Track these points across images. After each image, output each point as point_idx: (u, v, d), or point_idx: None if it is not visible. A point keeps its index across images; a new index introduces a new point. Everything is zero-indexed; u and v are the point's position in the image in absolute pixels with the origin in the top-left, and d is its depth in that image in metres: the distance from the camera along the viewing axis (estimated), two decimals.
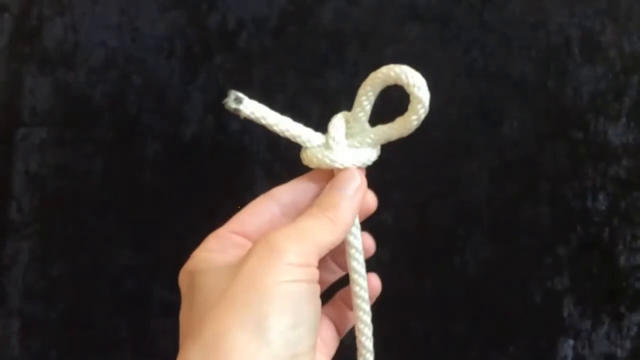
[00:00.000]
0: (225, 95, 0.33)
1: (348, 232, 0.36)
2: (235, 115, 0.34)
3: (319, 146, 0.36)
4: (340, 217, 0.34)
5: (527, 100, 0.49)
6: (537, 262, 0.48)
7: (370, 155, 0.37)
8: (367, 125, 0.37)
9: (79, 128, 0.52)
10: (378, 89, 0.36)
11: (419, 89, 0.34)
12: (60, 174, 0.52)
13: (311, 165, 0.36)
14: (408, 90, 0.34)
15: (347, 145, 0.36)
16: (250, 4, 0.51)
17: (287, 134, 0.36)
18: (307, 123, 0.47)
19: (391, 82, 0.35)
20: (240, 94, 0.34)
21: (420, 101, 0.34)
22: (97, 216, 0.51)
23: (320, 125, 0.49)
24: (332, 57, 0.50)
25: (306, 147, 0.37)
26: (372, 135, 0.37)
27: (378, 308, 0.50)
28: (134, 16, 0.52)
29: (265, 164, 0.50)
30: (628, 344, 0.48)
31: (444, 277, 0.49)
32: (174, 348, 0.53)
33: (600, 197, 0.48)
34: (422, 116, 0.35)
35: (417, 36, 0.50)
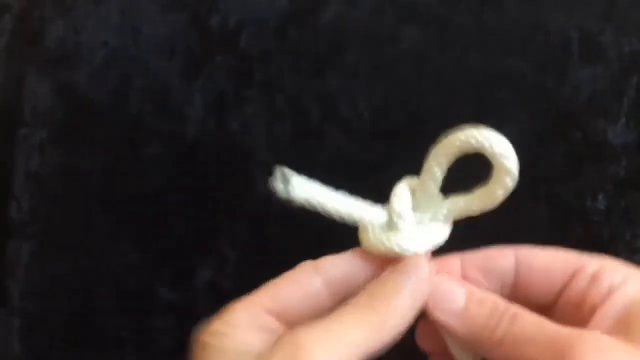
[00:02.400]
0: (274, 175, 0.28)
1: (399, 335, 0.29)
2: (286, 200, 0.28)
3: (381, 226, 0.30)
4: (392, 315, 0.28)
5: (526, 101, 0.49)
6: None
7: (443, 233, 0.31)
8: (437, 196, 0.31)
9: (80, 128, 0.52)
10: (453, 157, 0.30)
11: (506, 158, 0.29)
12: (61, 174, 0.52)
13: (372, 252, 0.30)
14: (492, 159, 0.29)
15: (414, 222, 0.30)
16: (250, 4, 0.51)
17: (346, 216, 0.30)
18: (307, 123, 0.48)
19: (470, 149, 0.29)
20: (291, 172, 0.28)
21: (508, 173, 0.29)
22: (97, 216, 0.51)
23: (321, 124, 0.50)
24: (332, 57, 0.51)
25: (366, 229, 0.30)
26: (446, 211, 0.31)
27: None
28: (135, 17, 0.52)
29: (265, 164, 0.50)
30: None
31: None
32: (175, 347, 0.53)
33: (600, 196, 0.48)
34: (510, 188, 0.30)
35: (417, 37, 0.50)
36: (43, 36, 0.52)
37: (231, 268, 0.50)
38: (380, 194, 0.52)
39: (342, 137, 0.50)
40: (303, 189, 0.29)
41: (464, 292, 0.29)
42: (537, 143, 0.49)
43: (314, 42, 0.51)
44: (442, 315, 0.29)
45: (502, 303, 0.28)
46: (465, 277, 0.30)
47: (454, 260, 0.31)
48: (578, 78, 0.49)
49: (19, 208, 0.52)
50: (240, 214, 0.50)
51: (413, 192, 0.31)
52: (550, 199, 0.49)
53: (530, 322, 0.27)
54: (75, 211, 0.51)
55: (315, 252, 0.50)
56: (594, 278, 0.29)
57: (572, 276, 0.30)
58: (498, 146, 0.29)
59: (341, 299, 0.29)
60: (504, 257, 0.31)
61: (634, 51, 0.49)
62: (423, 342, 0.32)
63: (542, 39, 0.49)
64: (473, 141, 0.29)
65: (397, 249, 0.29)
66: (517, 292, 0.31)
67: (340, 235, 0.51)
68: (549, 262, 0.31)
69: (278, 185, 0.28)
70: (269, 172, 0.50)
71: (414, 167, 0.50)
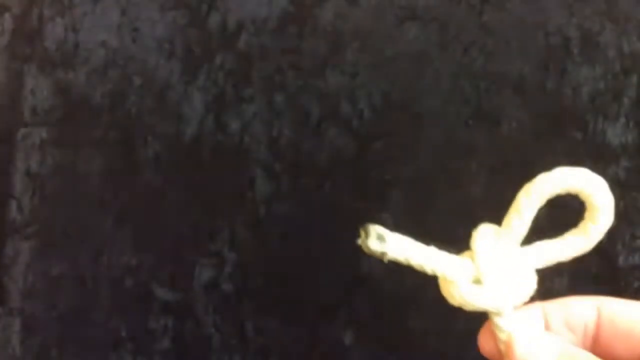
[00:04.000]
0: (361, 232, 0.27)
1: None
2: (374, 256, 0.27)
3: (466, 279, 0.28)
4: None
5: (526, 101, 0.49)
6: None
7: (531, 285, 0.28)
8: (520, 243, 0.28)
9: (80, 128, 0.52)
10: (544, 200, 0.28)
11: (605, 200, 0.27)
12: (61, 173, 0.52)
13: (454, 304, 0.29)
14: (589, 201, 0.28)
15: (502, 275, 0.28)
16: (250, 4, 0.51)
17: (432, 271, 0.28)
18: (307, 123, 0.48)
19: (565, 191, 0.28)
20: (383, 229, 0.27)
21: (607, 215, 0.27)
22: (97, 216, 0.51)
23: (320, 124, 0.50)
24: (332, 57, 0.50)
25: (451, 283, 0.28)
26: (534, 259, 0.28)
27: (378, 308, 0.50)
28: (134, 17, 0.52)
29: (265, 164, 0.50)
30: None
31: None
32: (174, 348, 0.53)
33: None
34: (605, 231, 0.28)
35: (417, 36, 0.50)
36: (42, 36, 0.52)
37: (230, 268, 0.50)
38: (381, 193, 0.52)
39: (342, 137, 0.50)
40: (398, 247, 0.28)
41: (556, 348, 0.28)
42: (537, 143, 0.49)
43: (313, 41, 0.51)
44: None
45: None
46: (547, 328, 0.30)
47: (537, 310, 0.30)
48: (578, 78, 0.49)
49: (19, 208, 0.52)
50: (240, 214, 0.50)
51: (497, 240, 0.29)
52: (550, 199, 0.49)
53: None
54: (75, 211, 0.51)
55: (315, 252, 0.50)
56: None
57: None
58: (596, 187, 0.27)
59: None
60: (586, 308, 0.30)
61: (634, 51, 0.49)
62: (484, 345, 0.32)
63: (542, 39, 0.49)
64: (569, 182, 0.28)
65: (485, 307, 0.28)
66: (598, 345, 0.30)
67: (340, 235, 0.52)
68: (633, 318, 0.29)
69: (372, 243, 0.27)
70: (269, 172, 0.50)
71: (414, 167, 0.50)
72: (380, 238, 0.27)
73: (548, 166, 0.49)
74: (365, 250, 0.27)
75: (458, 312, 0.49)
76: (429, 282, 0.50)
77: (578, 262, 0.49)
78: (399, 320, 0.49)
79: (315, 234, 0.50)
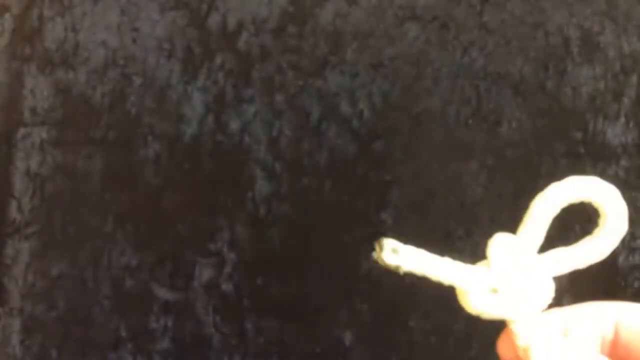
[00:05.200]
0: (375, 246, 0.27)
1: None
2: (388, 269, 0.28)
3: (483, 289, 0.28)
4: None
5: (526, 101, 0.49)
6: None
7: (549, 293, 0.29)
8: (536, 252, 0.29)
9: (79, 128, 0.52)
10: (558, 209, 0.28)
11: (619, 209, 0.28)
12: (61, 173, 0.52)
13: (472, 313, 0.29)
14: (600, 209, 0.28)
15: (519, 284, 0.28)
16: (250, 4, 0.51)
17: (448, 282, 0.28)
18: (307, 123, 0.48)
19: (578, 199, 0.28)
20: (397, 243, 0.28)
21: (621, 224, 0.28)
22: (97, 216, 0.51)
23: (320, 124, 0.50)
24: (332, 57, 0.50)
25: (467, 293, 0.28)
26: (550, 268, 0.29)
27: (378, 308, 0.50)
28: (134, 17, 0.52)
29: (265, 164, 0.50)
30: None
31: None
32: (174, 348, 0.53)
33: None
34: (619, 240, 0.28)
35: (416, 36, 0.50)
36: (42, 36, 0.52)
37: (230, 268, 0.50)
38: (381, 193, 0.52)
39: (342, 137, 0.50)
40: (412, 259, 0.28)
41: (575, 355, 0.28)
42: (537, 143, 0.49)
43: (313, 41, 0.51)
44: None
45: None
46: (566, 335, 0.30)
47: (555, 317, 0.30)
48: (578, 78, 0.49)
49: (19, 208, 0.52)
50: (240, 214, 0.50)
51: (512, 248, 0.29)
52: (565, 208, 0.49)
53: None
54: (75, 211, 0.51)
55: (315, 252, 0.50)
56: None
57: None
58: (609, 196, 0.28)
59: None
60: (604, 313, 0.30)
61: (634, 51, 0.49)
62: (504, 352, 0.32)
63: (542, 39, 0.49)
64: (582, 191, 0.28)
65: (502, 316, 0.28)
66: (616, 351, 0.30)
67: (339, 236, 0.52)
68: None
69: (387, 256, 0.27)
70: (269, 172, 0.50)
71: (414, 167, 0.50)
72: (395, 251, 0.27)
73: (548, 166, 0.49)
74: (380, 263, 0.27)
75: (458, 312, 0.49)
76: (429, 282, 0.50)
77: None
78: (399, 320, 0.49)
79: (315, 234, 0.50)
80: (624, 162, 0.48)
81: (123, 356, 0.50)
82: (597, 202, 0.28)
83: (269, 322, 0.49)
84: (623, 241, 0.48)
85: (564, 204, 0.28)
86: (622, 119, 0.49)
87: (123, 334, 0.50)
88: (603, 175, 0.49)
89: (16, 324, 0.51)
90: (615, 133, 0.49)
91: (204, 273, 0.50)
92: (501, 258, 0.28)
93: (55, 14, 0.52)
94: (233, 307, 0.50)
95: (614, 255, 0.49)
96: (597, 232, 0.28)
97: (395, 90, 0.50)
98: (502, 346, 0.31)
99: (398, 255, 0.27)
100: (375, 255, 0.27)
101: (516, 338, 0.28)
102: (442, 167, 0.50)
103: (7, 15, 0.53)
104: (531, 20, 0.50)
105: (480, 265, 0.29)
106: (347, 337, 0.49)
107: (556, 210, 0.28)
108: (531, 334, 0.28)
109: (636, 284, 0.48)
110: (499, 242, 0.29)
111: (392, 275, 0.47)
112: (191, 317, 0.50)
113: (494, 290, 0.28)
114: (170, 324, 0.50)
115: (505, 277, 0.28)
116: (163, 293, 0.50)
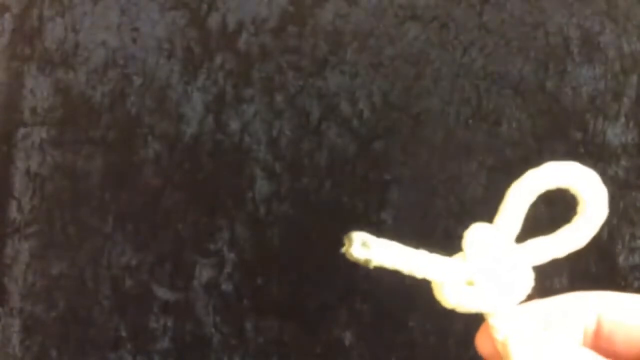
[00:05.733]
0: (344, 240, 0.27)
1: None
2: (359, 263, 0.27)
3: (459, 281, 0.27)
4: None
5: (526, 101, 0.49)
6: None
7: (528, 283, 0.27)
8: (514, 241, 0.28)
9: (79, 128, 0.52)
10: (534, 196, 0.28)
11: (598, 195, 0.27)
12: (61, 173, 0.52)
13: (448, 307, 0.28)
14: (582, 196, 0.27)
15: (496, 275, 0.27)
16: (250, 4, 0.51)
17: (422, 275, 0.27)
18: (307, 123, 0.48)
19: (555, 187, 0.27)
20: (367, 236, 0.26)
21: (600, 210, 0.27)
22: (97, 216, 0.51)
23: (320, 124, 0.50)
24: (332, 57, 0.51)
25: (443, 286, 0.27)
26: (528, 257, 0.27)
27: (378, 308, 0.50)
28: (134, 17, 0.52)
29: (265, 164, 0.50)
30: None
31: None
32: (174, 348, 0.53)
33: None
34: (599, 226, 0.27)
35: (417, 36, 0.50)
36: (42, 36, 0.52)
37: (230, 268, 0.50)
38: (381, 193, 0.52)
39: (342, 137, 0.50)
40: (383, 253, 0.27)
41: (555, 347, 0.28)
42: (537, 143, 0.49)
43: (313, 41, 0.51)
44: None
45: None
46: (547, 327, 0.29)
47: (535, 309, 0.29)
48: (578, 78, 0.49)
49: (19, 208, 0.52)
50: (240, 215, 0.50)
51: (489, 238, 0.28)
52: (550, 199, 0.49)
53: None
54: (74, 211, 0.51)
55: (315, 252, 0.50)
56: None
57: None
58: (587, 181, 0.27)
59: None
60: (586, 304, 0.29)
61: (634, 51, 0.49)
62: (482, 346, 0.31)
63: (542, 39, 0.49)
64: (559, 177, 0.27)
65: (479, 308, 0.27)
66: (599, 342, 0.29)
67: (339, 236, 0.51)
68: (634, 314, 0.29)
69: (357, 250, 0.26)
70: (269, 172, 0.50)
71: (414, 167, 0.50)
72: (365, 245, 0.26)
73: None
74: (350, 258, 0.27)
75: (458, 312, 0.49)
76: (429, 283, 0.50)
77: (578, 262, 0.49)
78: (399, 320, 0.49)
79: (315, 234, 0.50)
80: (624, 162, 0.48)
81: (123, 356, 0.50)
82: (575, 188, 0.27)
83: (269, 322, 0.49)
84: (623, 241, 0.48)
85: (541, 191, 0.27)
86: (622, 119, 0.49)
87: (123, 333, 0.50)
88: (603, 175, 0.49)
89: (16, 324, 0.51)
90: (615, 133, 0.49)
91: (204, 273, 0.50)
92: (477, 248, 0.27)
93: (55, 13, 0.52)
94: (233, 307, 0.50)
95: (614, 255, 0.49)
96: (576, 219, 0.27)
97: (395, 90, 0.50)
98: (480, 341, 0.30)
99: (368, 249, 0.26)
100: (344, 249, 0.27)
101: (494, 332, 0.28)
102: (442, 167, 0.50)
103: (7, 15, 0.53)
104: (531, 20, 0.50)
105: (456, 257, 0.28)
106: (347, 337, 0.49)
107: (533, 197, 0.27)
108: (510, 327, 0.27)
109: (636, 284, 0.48)
110: (474, 232, 0.28)
111: (392, 275, 0.47)
112: (191, 317, 0.50)
113: (470, 283, 0.27)
114: (170, 324, 0.50)
115: (482, 268, 0.27)
116: (163, 293, 0.50)
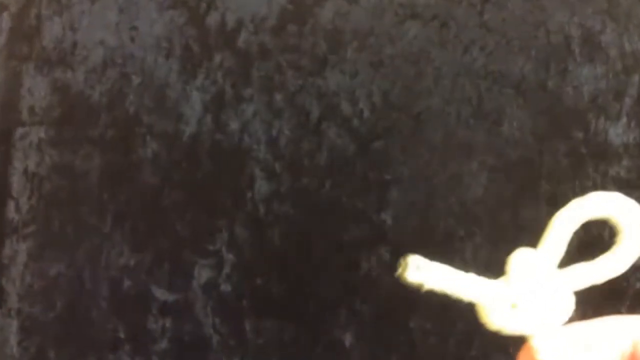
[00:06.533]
0: (399, 263, 0.28)
1: None
2: (414, 286, 0.29)
3: (504, 304, 0.29)
4: None
5: (527, 100, 0.49)
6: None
7: (569, 308, 0.29)
8: (556, 267, 0.29)
9: (78, 127, 0.52)
10: (578, 225, 0.29)
11: (634, 223, 0.28)
12: (59, 173, 0.52)
13: (493, 329, 0.29)
14: (621, 226, 0.29)
15: (540, 299, 0.29)
16: (249, 3, 0.51)
17: (469, 297, 0.29)
18: (307, 123, 0.47)
19: (598, 217, 0.29)
20: (421, 260, 0.28)
21: (635, 237, 0.28)
22: (95, 216, 0.51)
23: (320, 124, 0.49)
24: (332, 56, 0.50)
25: (489, 309, 0.29)
26: (570, 283, 0.29)
27: (378, 308, 0.50)
28: (132, 15, 0.52)
29: (265, 163, 0.50)
30: None
31: None
32: (173, 348, 0.53)
33: None
34: (637, 256, 0.29)
35: (417, 35, 0.50)
36: (40, 35, 0.52)
37: (229, 269, 0.50)
38: (381, 193, 0.52)
39: (342, 137, 0.50)
40: (435, 276, 0.28)
41: None
42: (538, 142, 0.49)
43: (313, 40, 0.51)
44: None
45: None
46: (587, 349, 0.30)
47: (577, 331, 0.30)
48: (579, 77, 0.49)
49: (17, 208, 0.52)
50: (239, 215, 0.50)
51: (533, 263, 0.29)
52: (551, 199, 0.49)
53: None
54: (73, 211, 0.51)
55: (315, 252, 0.50)
56: None
57: None
58: (628, 212, 0.28)
59: None
60: (623, 329, 0.30)
61: (635, 50, 0.49)
62: None
63: (543, 38, 0.49)
64: (602, 208, 0.28)
65: (522, 331, 0.28)
66: None
67: (340, 235, 0.51)
68: None
69: (411, 274, 0.28)
70: (269, 172, 0.50)
71: (414, 167, 0.50)
72: (419, 269, 0.28)
73: (549, 166, 0.49)
74: (404, 280, 0.28)
75: (458, 312, 0.49)
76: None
77: (579, 262, 0.48)
78: (399, 320, 0.49)
79: (315, 234, 0.50)
80: (625, 162, 0.48)
81: (121, 357, 0.50)
82: (616, 219, 0.28)
83: (268, 322, 0.49)
84: None
85: (584, 220, 0.29)
86: (624, 119, 0.49)
87: (121, 334, 0.50)
88: (604, 174, 0.49)
89: (14, 324, 0.51)
90: (616, 132, 0.49)
91: (203, 273, 0.50)
92: (521, 273, 0.29)
93: (53, 13, 0.52)
94: (232, 307, 0.50)
95: None
96: (615, 248, 0.29)
97: (395, 90, 0.50)
98: None
99: (421, 272, 0.28)
100: (399, 272, 0.28)
101: (536, 353, 0.29)
102: (442, 167, 0.50)
103: (5, 14, 0.53)
104: (532, 19, 0.50)
105: (501, 280, 0.29)
106: (347, 337, 0.49)
107: (577, 226, 0.29)
108: (551, 350, 0.29)
109: (638, 285, 0.48)
110: (519, 257, 0.29)
111: (392, 275, 0.47)
112: (190, 318, 0.50)
113: (514, 306, 0.28)
114: (168, 324, 0.50)
115: (525, 293, 0.28)
116: (161, 294, 0.50)
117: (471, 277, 0.29)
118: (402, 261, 0.28)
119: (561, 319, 0.29)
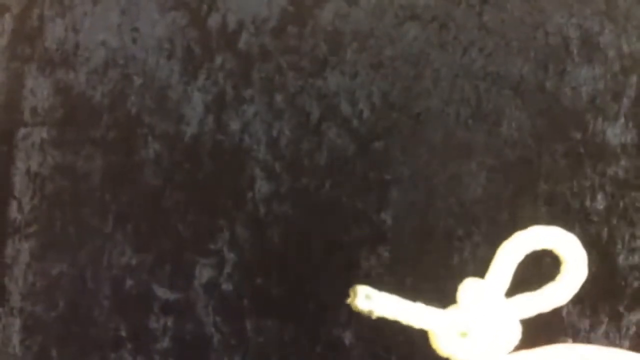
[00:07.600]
0: (350, 293, 0.30)
1: None
2: (364, 315, 0.30)
3: (454, 333, 0.30)
4: None
5: (526, 101, 0.49)
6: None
7: (516, 336, 0.30)
8: (503, 297, 0.31)
9: (80, 128, 0.52)
10: (522, 256, 0.31)
11: (578, 259, 0.31)
12: (61, 173, 0.52)
13: (443, 356, 0.31)
14: (561, 256, 0.31)
15: (487, 327, 0.30)
16: (250, 4, 0.51)
17: (419, 326, 0.30)
18: (307, 123, 0.48)
19: (541, 247, 0.31)
20: (370, 289, 0.30)
21: (580, 273, 0.31)
22: (97, 216, 0.51)
23: (320, 125, 0.50)
24: (332, 57, 0.51)
25: (438, 337, 0.30)
26: (516, 312, 0.31)
27: None
28: (134, 17, 0.52)
29: (265, 164, 0.50)
30: (626, 344, 0.48)
31: (443, 277, 0.49)
32: (174, 348, 0.53)
33: (599, 197, 0.49)
34: (579, 285, 0.31)
35: (416, 37, 0.50)
36: (42, 36, 0.52)
37: (230, 268, 0.50)
38: (381, 193, 0.52)
39: (342, 137, 0.50)
40: (384, 305, 0.30)
41: None
42: (536, 143, 0.49)
43: (313, 41, 0.51)
44: None
45: None
46: None
47: (525, 359, 0.31)
48: (577, 78, 0.49)
49: (19, 208, 0.52)
50: (240, 215, 0.50)
51: (481, 293, 0.31)
52: (550, 199, 0.49)
53: None
54: (75, 211, 0.51)
55: (315, 252, 0.50)
56: None
57: None
58: (568, 245, 0.30)
59: None
60: (572, 357, 0.31)
61: (634, 51, 0.49)
62: None
63: (542, 39, 0.49)
64: (543, 240, 0.30)
65: (473, 358, 0.30)
66: None
67: (340, 235, 0.52)
68: None
69: (360, 302, 0.30)
70: (269, 172, 0.50)
71: (414, 167, 0.50)
72: (368, 297, 0.30)
73: (548, 166, 0.49)
74: (354, 309, 0.30)
75: None
76: (429, 282, 0.50)
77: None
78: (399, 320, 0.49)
79: (315, 234, 0.50)
80: (623, 162, 0.48)
81: (123, 356, 0.50)
82: (558, 250, 0.30)
83: (269, 322, 0.49)
84: (623, 241, 0.48)
85: (528, 251, 0.31)
86: (622, 119, 0.49)
87: (123, 333, 0.50)
88: (603, 175, 0.49)
89: (16, 323, 0.51)
90: (614, 133, 0.49)
91: (204, 273, 0.50)
92: (470, 302, 0.30)
93: (55, 14, 0.52)
94: (233, 307, 0.50)
95: (614, 255, 0.49)
96: (559, 277, 0.31)
97: (395, 91, 0.50)
98: None
99: (371, 301, 0.30)
100: (349, 300, 0.30)
101: None
102: (442, 167, 0.50)
103: (7, 16, 0.53)
104: (531, 20, 0.50)
105: (451, 309, 0.31)
106: (347, 337, 0.49)
107: (521, 257, 0.30)
108: None
109: (636, 284, 0.48)
110: (468, 287, 0.31)
111: (392, 275, 0.47)
112: (191, 317, 0.50)
113: (464, 334, 0.30)
114: (170, 324, 0.50)
115: (474, 321, 0.30)
116: (163, 293, 0.50)
117: (421, 306, 0.30)
118: (351, 290, 0.30)
119: (509, 346, 0.30)
